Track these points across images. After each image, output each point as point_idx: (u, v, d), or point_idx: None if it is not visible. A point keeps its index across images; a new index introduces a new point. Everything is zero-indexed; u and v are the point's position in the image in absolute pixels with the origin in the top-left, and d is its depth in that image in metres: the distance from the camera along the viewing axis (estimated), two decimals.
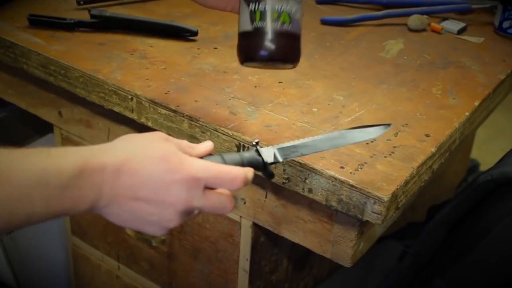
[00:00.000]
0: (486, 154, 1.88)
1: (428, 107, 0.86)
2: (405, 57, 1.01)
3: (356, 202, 0.70)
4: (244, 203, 0.85)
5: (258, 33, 0.67)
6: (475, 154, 1.73)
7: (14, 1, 1.09)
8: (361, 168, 0.72)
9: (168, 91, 0.85)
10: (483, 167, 1.70)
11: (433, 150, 0.77)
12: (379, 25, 1.14)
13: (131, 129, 0.92)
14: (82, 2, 1.09)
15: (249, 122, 0.80)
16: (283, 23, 0.68)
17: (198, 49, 0.98)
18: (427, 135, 0.80)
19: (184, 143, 0.62)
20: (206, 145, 0.64)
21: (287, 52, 0.69)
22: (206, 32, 1.03)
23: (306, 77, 0.92)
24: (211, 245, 0.95)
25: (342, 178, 0.70)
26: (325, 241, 0.79)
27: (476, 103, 0.89)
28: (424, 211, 1.19)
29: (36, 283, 1.29)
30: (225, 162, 0.62)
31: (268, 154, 0.65)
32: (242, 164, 0.63)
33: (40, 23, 1.00)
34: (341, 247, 0.78)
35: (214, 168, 0.58)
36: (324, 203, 0.73)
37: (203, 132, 0.80)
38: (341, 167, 0.72)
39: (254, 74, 0.91)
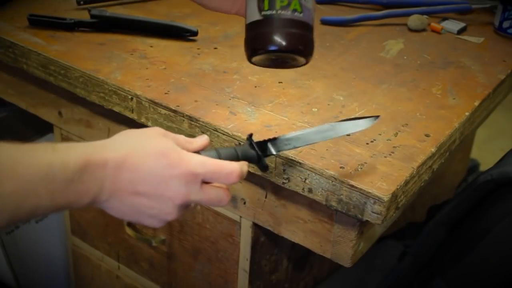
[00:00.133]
0: (486, 154, 1.88)
1: (428, 107, 0.86)
2: (405, 57, 1.01)
3: (356, 202, 0.70)
4: (244, 203, 0.85)
5: (267, 21, 0.63)
6: (475, 154, 1.73)
7: (14, 1, 1.09)
8: (361, 168, 0.72)
9: (168, 91, 0.85)
10: (483, 167, 1.70)
11: (433, 150, 0.77)
12: (379, 25, 1.14)
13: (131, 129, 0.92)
14: (82, 2, 1.09)
15: (249, 122, 0.80)
16: (294, 10, 0.63)
17: (198, 49, 0.98)
18: (427, 135, 0.80)
19: (182, 138, 0.64)
20: (203, 140, 0.66)
21: (299, 43, 0.64)
22: (206, 32, 1.03)
23: (306, 77, 0.92)
24: (211, 245, 0.95)
25: (342, 178, 0.70)
26: (325, 241, 0.79)
27: (476, 103, 0.89)
28: (424, 211, 1.19)
29: (36, 283, 1.29)
30: (220, 156, 0.64)
31: (262, 147, 0.67)
32: (237, 157, 0.65)
33: (40, 23, 1.00)
34: (341, 247, 0.78)
35: (211, 164, 0.61)
36: (324, 203, 0.73)
37: (203, 132, 0.80)
38: (341, 167, 0.72)
39: (254, 74, 0.91)
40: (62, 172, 0.53)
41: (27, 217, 0.53)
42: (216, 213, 0.91)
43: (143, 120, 0.86)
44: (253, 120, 0.80)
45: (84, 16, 1.02)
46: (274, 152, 0.68)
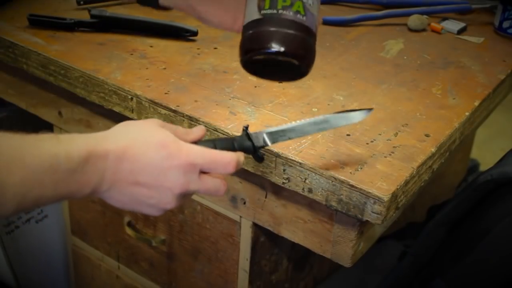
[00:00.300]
0: (486, 154, 1.88)
1: (428, 107, 0.86)
2: (405, 57, 1.01)
3: (356, 202, 0.70)
4: (244, 203, 0.85)
5: (266, 21, 0.58)
6: (475, 154, 1.73)
7: (14, 1, 1.09)
8: (361, 168, 0.72)
9: (168, 91, 0.85)
10: (483, 167, 1.70)
11: (433, 150, 0.77)
12: (379, 25, 1.14)
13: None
14: (82, 2, 1.09)
15: (249, 122, 0.80)
16: (297, 12, 0.58)
17: (198, 49, 0.98)
18: (427, 135, 0.80)
19: (180, 129, 0.65)
20: (199, 130, 0.67)
21: (299, 47, 0.59)
22: (206, 32, 1.03)
23: (306, 77, 0.92)
24: (211, 245, 0.95)
25: (342, 178, 0.70)
26: (325, 241, 0.79)
27: (476, 103, 0.89)
28: (424, 211, 1.19)
29: (36, 283, 1.29)
30: (217, 147, 0.65)
31: (258, 138, 0.68)
32: (234, 148, 0.66)
33: (40, 23, 1.00)
34: (341, 247, 0.78)
35: (209, 154, 0.62)
36: (324, 203, 0.73)
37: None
38: (341, 167, 0.72)
39: None
40: (66, 162, 0.55)
41: (32, 206, 0.54)
42: (216, 213, 0.91)
43: None
44: (253, 120, 0.80)
45: (84, 16, 1.02)
46: (269, 143, 0.69)
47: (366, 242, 0.81)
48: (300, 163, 0.73)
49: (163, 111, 0.83)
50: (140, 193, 0.60)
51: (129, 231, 1.03)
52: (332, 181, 0.71)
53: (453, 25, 1.14)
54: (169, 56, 0.95)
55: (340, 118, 0.71)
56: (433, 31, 1.13)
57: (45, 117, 1.06)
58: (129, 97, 0.86)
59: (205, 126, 0.79)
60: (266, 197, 0.82)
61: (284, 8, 0.58)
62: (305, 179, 0.73)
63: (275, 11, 0.58)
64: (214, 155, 0.63)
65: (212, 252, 0.95)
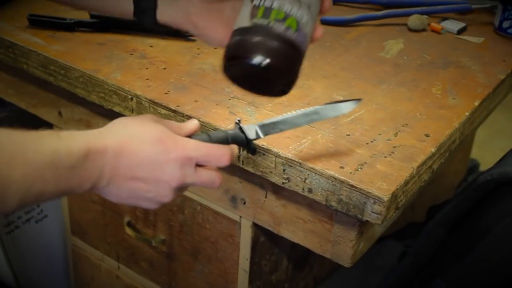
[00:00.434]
0: (486, 154, 1.88)
1: (428, 107, 0.86)
2: (405, 57, 1.01)
3: (356, 202, 0.70)
4: (244, 203, 0.85)
5: (255, 30, 0.56)
6: (475, 154, 1.73)
7: (14, 1, 1.09)
8: (361, 168, 0.72)
9: (168, 91, 0.85)
10: (483, 167, 1.70)
11: (433, 150, 0.77)
12: (379, 25, 1.14)
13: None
14: None
15: (249, 122, 0.80)
16: (288, 28, 0.56)
17: (198, 49, 0.98)
18: (427, 135, 0.80)
19: (173, 123, 0.66)
20: (193, 124, 0.68)
21: (284, 63, 0.57)
22: None
23: (306, 77, 0.92)
24: (211, 245, 0.95)
25: (342, 178, 0.70)
26: (325, 241, 0.79)
27: (476, 103, 0.89)
28: (424, 211, 1.19)
29: (36, 283, 1.29)
30: (211, 140, 0.66)
31: (251, 131, 0.69)
32: (227, 141, 0.67)
33: (40, 23, 1.00)
34: (341, 247, 0.78)
35: (204, 147, 0.63)
36: (324, 203, 0.73)
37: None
38: (341, 167, 0.72)
39: None
40: (66, 158, 0.55)
41: (34, 202, 0.55)
42: (216, 213, 0.91)
43: None
44: (253, 120, 0.80)
45: (84, 16, 1.02)
46: (261, 136, 0.70)
47: (366, 242, 0.81)
48: (300, 163, 0.73)
49: (163, 111, 0.83)
50: (138, 188, 0.61)
51: (129, 231, 1.03)
52: (332, 181, 0.71)
53: (453, 25, 1.14)
54: (169, 56, 0.95)
55: (330, 109, 0.72)
56: (433, 31, 1.13)
57: (45, 117, 1.06)
58: (129, 97, 0.86)
59: (205, 126, 0.79)
60: (266, 197, 0.82)
61: (276, 20, 0.56)
62: (305, 179, 0.73)
63: (266, 22, 0.56)
64: (209, 148, 0.64)
65: (212, 252, 0.95)
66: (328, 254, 0.80)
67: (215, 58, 0.96)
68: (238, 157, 0.78)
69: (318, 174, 0.72)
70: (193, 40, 1.01)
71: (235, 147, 0.67)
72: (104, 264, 1.15)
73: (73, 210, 1.15)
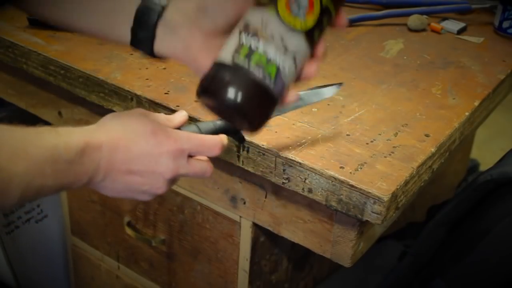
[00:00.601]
0: (486, 154, 1.88)
1: (428, 107, 0.86)
2: (405, 57, 1.01)
3: (356, 202, 0.70)
4: (244, 203, 0.85)
5: (234, 70, 0.56)
6: (475, 154, 1.73)
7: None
8: (361, 168, 0.72)
9: (168, 91, 0.85)
10: (483, 167, 1.70)
11: (433, 150, 0.77)
12: (379, 25, 1.14)
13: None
14: None
15: None
16: (267, 75, 0.55)
17: None
18: (427, 135, 0.80)
19: (162, 116, 0.67)
20: (182, 116, 0.69)
21: (253, 109, 0.56)
22: None
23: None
24: (211, 245, 0.95)
25: (342, 178, 0.70)
26: (325, 241, 0.79)
27: (476, 103, 0.89)
28: (424, 211, 1.19)
29: (36, 283, 1.29)
30: (201, 131, 0.67)
31: None
32: (216, 131, 0.67)
33: (40, 23, 1.00)
34: (341, 247, 0.78)
35: (196, 138, 0.64)
36: (324, 203, 0.73)
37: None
38: (341, 167, 0.72)
39: None
40: (65, 153, 0.56)
41: (34, 196, 0.56)
42: (216, 213, 0.91)
43: None
44: None
45: None
46: None
47: (366, 242, 0.81)
48: (300, 163, 0.73)
49: (163, 111, 0.83)
50: (133, 181, 0.62)
51: (129, 231, 1.03)
52: (332, 181, 0.71)
53: (453, 25, 1.14)
54: None
55: (312, 95, 0.73)
56: (433, 31, 1.13)
57: (45, 117, 1.06)
58: (129, 97, 0.86)
59: None
60: (266, 197, 0.82)
61: (257, 65, 0.55)
62: (305, 179, 0.73)
63: (246, 65, 0.55)
64: (200, 139, 0.65)
65: (212, 252, 0.95)
66: (328, 254, 0.80)
67: None
68: (238, 157, 0.78)
69: (318, 174, 0.72)
70: None
71: (224, 137, 0.68)
72: (104, 264, 1.15)
73: (73, 210, 1.15)
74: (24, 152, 0.53)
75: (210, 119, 0.68)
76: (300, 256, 1.01)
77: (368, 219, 0.71)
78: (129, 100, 0.86)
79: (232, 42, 0.57)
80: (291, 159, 0.73)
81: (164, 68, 0.91)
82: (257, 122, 0.59)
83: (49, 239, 1.28)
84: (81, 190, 1.10)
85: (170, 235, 1.00)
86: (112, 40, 0.67)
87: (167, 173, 0.63)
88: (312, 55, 0.60)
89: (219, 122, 0.68)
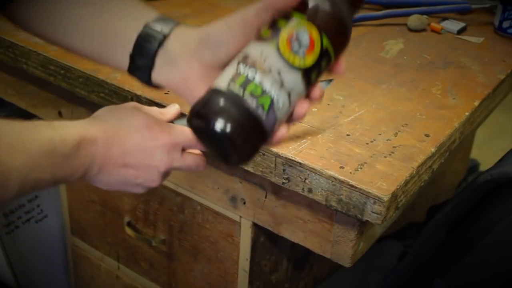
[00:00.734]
0: (486, 154, 1.88)
1: (428, 107, 0.86)
2: (405, 57, 1.01)
3: (356, 202, 0.70)
4: (244, 203, 0.85)
5: (228, 97, 0.55)
6: (475, 154, 1.73)
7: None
8: (361, 168, 0.72)
9: (168, 91, 0.85)
10: (483, 167, 1.70)
11: (433, 150, 0.77)
12: (379, 25, 1.14)
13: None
14: None
15: None
16: (260, 106, 0.55)
17: None
18: (427, 135, 0.80)
19: (155, 110, 0.68)
20: (174, 110, 0.69)
21: (241, 138, 0.56)
22: None
23: None
24: (211, 245, 0.95)
25: (342, 178, 0.70)
26: (325, 241, 0.79)
27: (476, 103, 0.89)
28: (424, 211, 1.19)
29: (36, 283, 1.29)
30: None
31: None
32: None
33: None
34: (341, 247, 0.78)
35: (189, 132, 0.64)
36: (324, 203, 0.73)
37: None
38: (341, 167, 0.72)
39: None
40: (61, 147, 0.56)
41: (31, 190, 0.56)
42: (216, 213, 0.91)
43: None
44: None
45: None
46: None
47: (366, 242, 0.81)
48: (300, 163, 0.73)
49: None
50: (128, 174, 0.63)
51: (129, 231, 1.03)
52: (332, 181, 0.71)
53: (453, 25, 1.14)
54: None
55: None
56: (433, 31, 1.13)
57: (45, 117, 1.06)
58: (129, 97, 0.86)
59: None
60: (266, 197, 0.82)
61: (251, 95, 0.55)
62: (305, 179, 0.73)
63: (240, 93, 0.55)
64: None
65: (212, 252, 0.95)
66: (328, 254, 0.80)
67: None
68: None
69: (318, 174, 0.72)
70: None
71: None
72: (104, 264, 1.15)
73: (73, 210, 1.15)
74: (21, 145, 0.54)
75: None
76: (300, 256, 1.01)
77: (368, 219, 0.71)
78: (129, 100, 0.86)
79: (229, 71, 0.57)
80: (291, 159, 0.73)
81: None
82: (245, 151, 0.58)
83: (49, 239, 1.28)
84: (81, 190, 1.10)
85: (170, 235, 1.00)
86: (110, 65, 0.67)
87: (162, 166, 0.63)
88: (307, 95, 0.60)
89: None
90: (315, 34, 0.57)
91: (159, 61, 0.62)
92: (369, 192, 0.69)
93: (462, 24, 1.14)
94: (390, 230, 0.99)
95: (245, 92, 0.55)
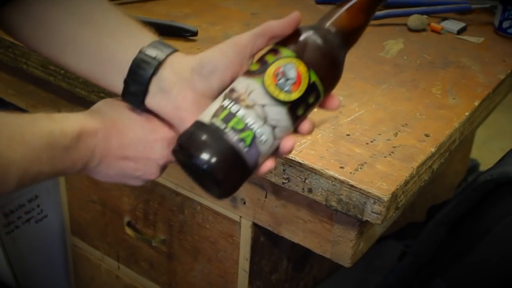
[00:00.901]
0: (486, 154, 1.88)
1: (428, 107, 0.86)
2: (405, 57, 1.01)
3: (356, 202, 0.70)
4: (244, 203, 0.85)
5: (209, 130, 0.55)
6: (475, 154, 1.73)
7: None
8: (361, 168, 0.72)
9: None
10: (483, 167, 1.70)
11: (433, 150, 0.77)
12: (379, 25, 1.14)
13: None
14: None
15: None
16: (241, 140, 0.55)
17: (198, 49, 0.98)
18: (427, 135, 0.80)
19: None
20: None
21: (222, 172, 0.55)
22: (206, 32, 1.03)
23: None
24: (211, 245, 0.95)
25: (342, 178, 0.70)
26: (325, 241, 0.79)
27: (476, 103, 0.89)
28: (424, 211, 1.19)
29: (36, 283, 1.29)
30: None
31: None
32: None
33: None
34: (341, 247, 0.78)
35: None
36: (324, 203, 0.73)
37: None
38: (341, 167, 0.72)
39: None
40: (61, 139, 0.57)
41: (31, 182, 0.56)
42: (216, 213, 0.91)
43: None
44: None
45: None
46: None
47: (366, 242, 0.81)
48: (300, 163, 0.73)
49: None
50: (127, 167, 0.63)
51: (129, 231, 1.03)
52: (332, 181, 0.71)
53: (453, 25, 1.14)
54: None
55: None
56: (433, 31, 1.13)
57: None
58: None
59: None
60: (266, 197, 0.82)
61: (233, 129, 0.55)
62: (305, 179, 0.73)
63: (222, 127, 0.55)
64: None
65: (212, 252, 0.95)
66: (328, 254, 0.80)
67: None
68: None
69: (318, 174, 0.72)
70: (193, 40, 1.01)
71: None
72: (104, 264, 1.15)
73: (73, 210, 1.15)
74: (21, 138, 0.54)
75: None
76: (300, 256, 1.01)
77: (368, 219, 0.71)
78: None
79: (214, 105, 0.57)
80: (291, 159, 0.73)
81: None
82: (227, 185, 0.57)
83: (49, 239, 1.28)
84: (81, 190, 1.10)
85: (170, 235, 1.00)
86: (104, 87, 0.66)
87: (161, 160, 0.63)
88: (295, 130, 0.59)
89: None
90: (302, 69, 0.57)
91: (152, 88, 0.61)
92: (369, 192, 0.69)
93: (462, 24, 1.14)
94: (390, 230, 0.99)
95: (227, 126, 0.55)
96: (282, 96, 0.56)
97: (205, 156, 0.55)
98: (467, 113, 0.86)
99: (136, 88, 0.61)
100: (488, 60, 1.03)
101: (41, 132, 0.56)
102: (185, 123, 0.59)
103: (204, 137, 0.55)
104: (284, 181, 0.75)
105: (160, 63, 0.61)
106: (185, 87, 0.60)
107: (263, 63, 0.58)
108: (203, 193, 0.89)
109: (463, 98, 0.90)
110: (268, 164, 0.59)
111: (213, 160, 0.54)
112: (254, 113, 0.55)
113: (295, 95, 0.56)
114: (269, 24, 0.59)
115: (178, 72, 0.61)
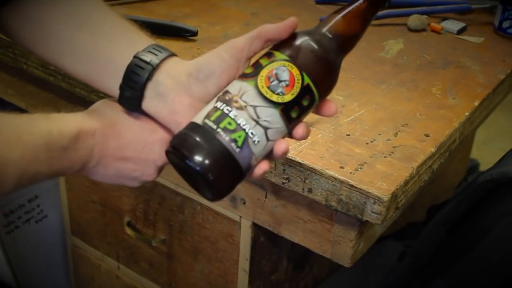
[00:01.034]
0: (486, 154, 1.88)
1: (428, 107, 0.86)
2: (405, 57, 1.01)
3: (356, 202, 0.70)
4: (244, 203, 0.85)
5: (201, 131, 0.55)
6: (475, 154, 1.73)
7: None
8: (361, 168, 0.72)
9: None
10: (483, 167, 1.70)
11: (433, 150, 0.77)
12: (379, 25, 1.14)
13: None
14: None
15: None
16: (233, 140, 0.55)
17: (198, 49, 0.98)
18: (427, 135, 0.80)
19: None
20: None
21: (213, 173, 0.55)
22: (206, 32, 1.03)
23: None
24: (211, 245, 0.95)
25: (342, 178, 0.70)
26: (325, 241, 0.79)
27: (476, 103, 0.89)
28: (424, 211, 1.19)
29: (36, 283, 1.29)
30: None
31: None
32: None
33: None
34: (341, 247, 0.78)
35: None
36: (324, 203, 0.73)
37: None
38: (341, 167, 0.72)
39: None
40: (59, 140, 0.56)
41: (29, 183, 0.56)
42: (216, 213, 0.91)
43: None
44: None
45: None
46: None
47: (366, 242, 0.81)
48: (300, 163, 0.73)
49: None
50: (125, 167, 0.62)
51: (129, 231, 1.03)
52: (332, 181, 0.71)
53: (453, 25, 1.14)
54: None
55: None
56: (433, 31, 1.13)
57: None
58: None
59: None
60: (266, 197, 0.82)
61: (224, 129, 0.55)
62: (305, 179, 0.73)
63: (214, 127, 0.55)
64: None
65: (212, 252, 0.95)
66: (328, 254, 0.80)
67: None
68: None
69: (318, 174, 0.72)
70: (193, 40, 1.01)
71: None
72: (104, 264, 1.15)
73: (73, 210, 1.15)
74: (19, 138, 0.54)
75: None
76: (300, 256, 1.01)
77: (368, 219, 0.71)
78: None
79: (208, 107, 0.58)
80: (291, 159, 0.73)
81: None
82: (219, 186, 0.57)
83: (49, 239, 1.28)
84: (81, 190, 1.10)
85: (170, 235, 1.00)
86: (101, 91, 0.66)
87: (159, 161, 0.63)
88: (289, 134, 0.59)
89: None
90: (295, 71, 0.57)
91: (148, 92, 0.61)
92: (369, 192, 0.69)
93: (462, 24, 1.14)
94: (390, 230, 0.99)
95: (219, 126, 0.55)
96: (275, 98, 0.56)
97: (197, 156, 0.55)
98: (467, 113, 0.86)
99: (131, 93, 0.61)
100: (488, 60, 1.03)
101: (39, 132, 0.55)
102: (180, 128, 0.59)
103: (196, 137, 0.55)
104: (284, 181, 0.75)
105: (154, 68, 0.60)
106: (182, 91, 0.60)
107: (257, 66, 0.58)
108: None
109: (463, 98, 0.90)
110: (262, 167, 0.59)
111: (205, 160, 0.55)
112: (246, 113, 0.56)
113: (288, 97, 0.57)
114: (265, 27, 0.59)
115: (175, 77, 0.61)
